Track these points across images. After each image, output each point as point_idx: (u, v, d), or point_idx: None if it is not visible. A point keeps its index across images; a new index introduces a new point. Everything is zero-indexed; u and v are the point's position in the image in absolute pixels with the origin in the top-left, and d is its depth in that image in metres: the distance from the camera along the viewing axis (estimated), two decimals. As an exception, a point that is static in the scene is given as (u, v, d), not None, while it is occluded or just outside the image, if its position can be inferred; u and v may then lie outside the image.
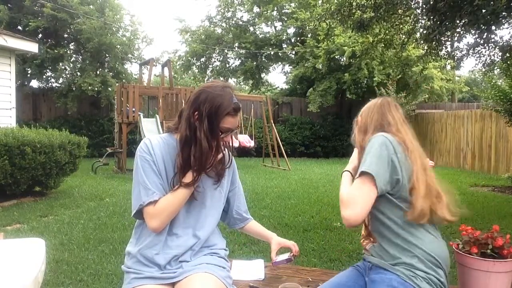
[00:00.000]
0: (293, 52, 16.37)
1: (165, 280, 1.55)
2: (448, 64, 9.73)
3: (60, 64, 13.32)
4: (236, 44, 17.13)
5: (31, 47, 8.30)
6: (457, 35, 6.06)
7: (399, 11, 6.57)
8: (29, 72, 13.36)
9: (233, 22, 17.62)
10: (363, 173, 1.44)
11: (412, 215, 1.47)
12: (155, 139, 1.62)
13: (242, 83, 23.12)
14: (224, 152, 1.66)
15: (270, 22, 17.52)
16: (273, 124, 11.54)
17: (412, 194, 1.47)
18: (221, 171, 1.69)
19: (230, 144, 1.66)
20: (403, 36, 7.12)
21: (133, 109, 9.81)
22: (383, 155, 1.45)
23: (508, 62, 6.32)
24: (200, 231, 1.63)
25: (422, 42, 6.58)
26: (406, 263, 1.49)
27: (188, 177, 1.56)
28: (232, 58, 18.27)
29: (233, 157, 1.81)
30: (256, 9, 17.12)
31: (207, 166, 1.58)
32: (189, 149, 1.56)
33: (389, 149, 1.47)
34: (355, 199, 1.41)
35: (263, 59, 17.57)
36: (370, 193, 1.42)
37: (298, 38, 16.42)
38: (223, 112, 1.55)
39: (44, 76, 14.04)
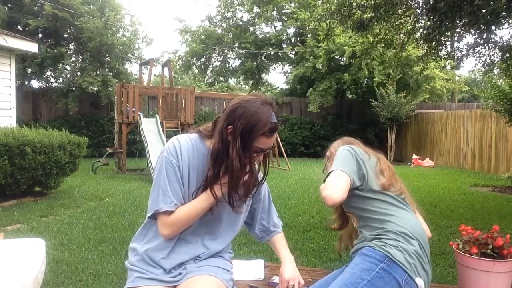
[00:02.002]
0: (293, 52, 16.37)
1: (169, 283, 1.54)
2: (448, 64, 9.73)
3: (60, 64, 13.33)
4: (236, 44, 17.13)
5: (31, 47, 8.30)
6: (457, 35, 6.06)
7: (399, 11, 6.56)
8: (29, 71, 13.36)
9: (233, 22, 17.62)
10: (331, 172, 1.61)
11: (389, 180, 1.68)
12: (185, 141, 1.56)
13: (242, 83, 23.14)
14: (254, 171, 1.59)
15: (270, 22, 17.52)
16: (273, 124, 11.53)
17: (383, 173, 1.71)
18: (250, 190, 1.61)
19: (262, 163, 1.61)
20: (403, 36, 7.12)
21: (133, 109, 9.81)
22: (346, 155, 1.67)
23: (508, 62, 6.31)
24: (210, 243, 1.61)
25: (422, 42, 6.58)
26: (377, 236, 1.59)
27: (219, 191, 1.51)
28: (232, 58, 18.28)
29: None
30: (256, 9, 17.12)
31: (238, 186, 1.53)
32: (221, 164, 1.50)
33: (350, 152, 1.68)
34: (330, 182, 1.55)
35: (263, 59, 17.57)
36: (342, 178, 1.57)
37: (298, 38, 16.42)
38: (258, 132, 1.46)
39: (44, 76, 14.05)
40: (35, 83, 14.38)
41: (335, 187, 1.53)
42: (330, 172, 1.61)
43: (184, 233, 1.57)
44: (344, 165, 1.62)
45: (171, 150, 1.53)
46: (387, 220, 1.61)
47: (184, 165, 1.53)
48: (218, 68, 18.10)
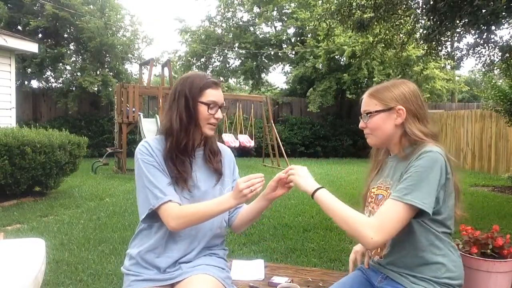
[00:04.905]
0: (293, 52, 16.37)
1: (165, 281, 1.54)
2: (448, 64, 9.73)
3: (60, 64, 13.33)
4: (236, 44, 17.14)
5: (31, 47, 8.31)
6: (457, 35, 6.06)
7: (399, 11, 6.57)
8: (29, 71, 13.37)
9: (233, 22, 17.63)
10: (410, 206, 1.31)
11: (460, 209, 1.46)
12: (152, 140, 1.59)
13: (242, 83, 23.13)
14: (210, 134, 1.58)
15: (270, 22, 17.53)
16: (273, 124, 11.53)
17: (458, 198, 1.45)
18: (216, 164, 1.63)
19: (218, 120, 1.57)
20: (403, 36, 7.12)
21: (133, 109, 9.81)
22: (434, 180, 1.32)
23: (508, 62, 6.32)
24: (201, 233, 1.60)
25: (422, 42, 6.58)
26: (427, 280, 1.40)
27: (229, 202, 1.47)
28: (232, 58, 18.29)
29: (228, 150, 1.73)
30: (256, 9, 17.13)
31: (186, 149, 1.54)
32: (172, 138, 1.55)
33: (441, 173, 1.34)
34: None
35: (263, 59, 17.58)
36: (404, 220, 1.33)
37: (298, 38, 16.43)
38: (198, 86, 1.52)
39: (44, 76, 14.05)
40: (35, 83, 14.40)
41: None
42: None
43: (173, 232, 1.56)
44: (428, 199, 1.31)
45: (142, 151, 1.54)
46: (441, 262, 1.40)
47: (160, 159, 1.54)
48: (218, 68, 18.10)
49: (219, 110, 1.57)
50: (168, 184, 1.52)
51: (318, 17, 7.17)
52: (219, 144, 1.71)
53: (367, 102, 1.51)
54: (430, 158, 1.33)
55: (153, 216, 1.52)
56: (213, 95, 1.54)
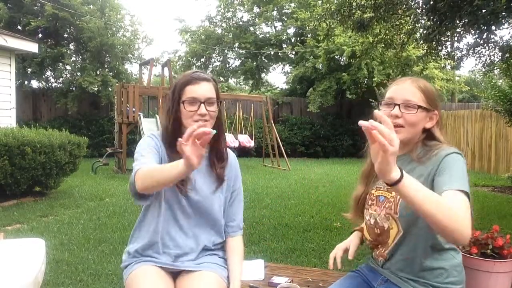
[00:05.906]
0: (293, 52, 16.38)
1: (167, 265, 1.55)
2: (448, 64, 9.72)
3: (60, 63, 13.33)
4: (236, 44, 17.15)
5: (31, 47, 8.30)
6: (457, 35, 6.06)
7: (399, 11, 6.56)
8: (29, 71, 13.37)
9: (233, 22, 17.64)
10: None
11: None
12: (158, 135, 1.61)
13: (242, 83, 23.13)
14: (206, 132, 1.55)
15: (270, 22, 17.53)
16: (273, 124, 11.53)
17: None
18: (220, 170, 1.60)
19: (204, 116, 1.49)
20: (403, 36, 7.12)
21: (133, 109, 9.81)
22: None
23: (508, 62, 6.32)
24: (201, 236, 1.61)
25: (422, 42, 6.58)
26: (429, 286, 1.39)
27: (179, 167, 1.23)
28: (232, 58, 18.30)
29: (234, 158, 1.71)
30: (256, 9, 17.14)
31: (177, 144, 1.48)
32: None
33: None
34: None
35: (263, 59, 17.58)
36: None
37: (298, 38, 16.43)
38: (180, 85, 1.52)
39: (44, 76, 14.05)
40: (35, 83, 14.39)
41: None
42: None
43: (172, 229, 1.57)
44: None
45: (150, 137, 1.56)
46: (443, 267, 1.39)
47: (162, 151, 1.54)
48: (218, 68, 18.11)
49: (202, 105, 1.49)
50: (157, 159, 1.49)
51: (318, 17, 7.16)
52: (228, 151, 1.68)
53: (414, 93, 1.39)
54: (459, 157, 1.35)
55: (143, 196, 1.45)
56: (192, 91, 1.49)
